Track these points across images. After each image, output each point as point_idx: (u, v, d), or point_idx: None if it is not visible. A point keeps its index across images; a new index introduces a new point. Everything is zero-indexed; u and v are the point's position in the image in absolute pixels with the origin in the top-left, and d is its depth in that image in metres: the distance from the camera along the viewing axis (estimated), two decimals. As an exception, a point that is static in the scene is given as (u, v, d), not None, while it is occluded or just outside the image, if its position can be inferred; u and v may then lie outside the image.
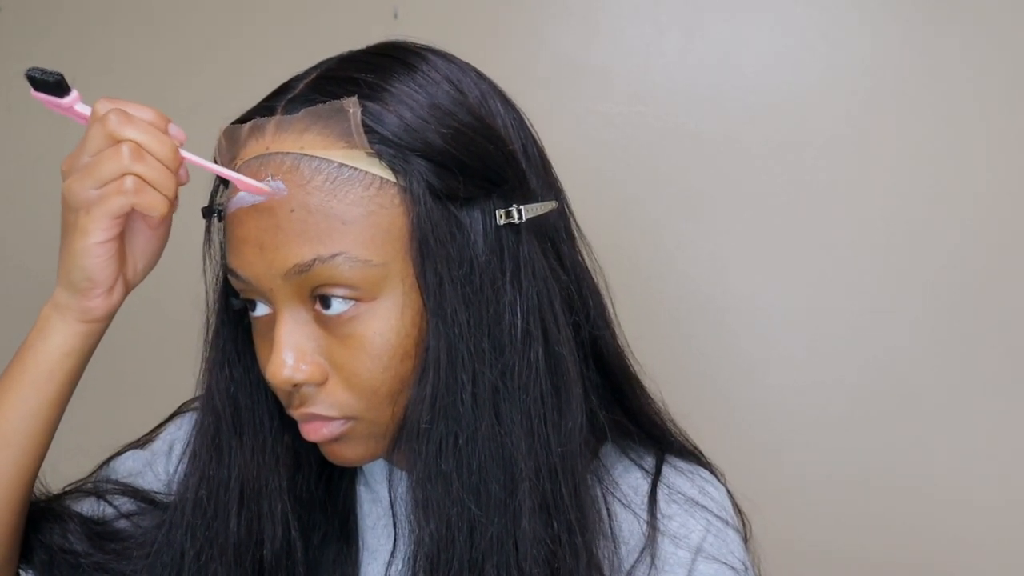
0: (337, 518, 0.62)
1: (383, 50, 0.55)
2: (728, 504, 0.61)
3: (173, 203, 0.53)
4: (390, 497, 0.61)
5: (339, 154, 0.50)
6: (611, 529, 0.56)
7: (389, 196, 0.50)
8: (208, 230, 0.58)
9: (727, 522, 0.59)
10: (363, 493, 0.64)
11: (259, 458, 0.58)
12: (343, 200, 0.49)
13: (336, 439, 0.54)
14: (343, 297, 0.50)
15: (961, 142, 1.00)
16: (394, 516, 0.60)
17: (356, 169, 0.50)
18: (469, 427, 0.51)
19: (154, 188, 0.51)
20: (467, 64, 0.56)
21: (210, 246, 0.58)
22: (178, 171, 0.52)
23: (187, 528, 0.58)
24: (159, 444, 0.68)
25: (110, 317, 0.57)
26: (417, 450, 0.52)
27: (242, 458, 0.58)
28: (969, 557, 1.04)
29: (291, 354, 0.51)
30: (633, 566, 0.56)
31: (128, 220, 0.55)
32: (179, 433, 0.67)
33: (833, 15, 1.02)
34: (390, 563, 0.59)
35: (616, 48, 1.07)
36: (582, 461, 0.55)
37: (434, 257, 0.50)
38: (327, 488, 0.62)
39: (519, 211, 0.52)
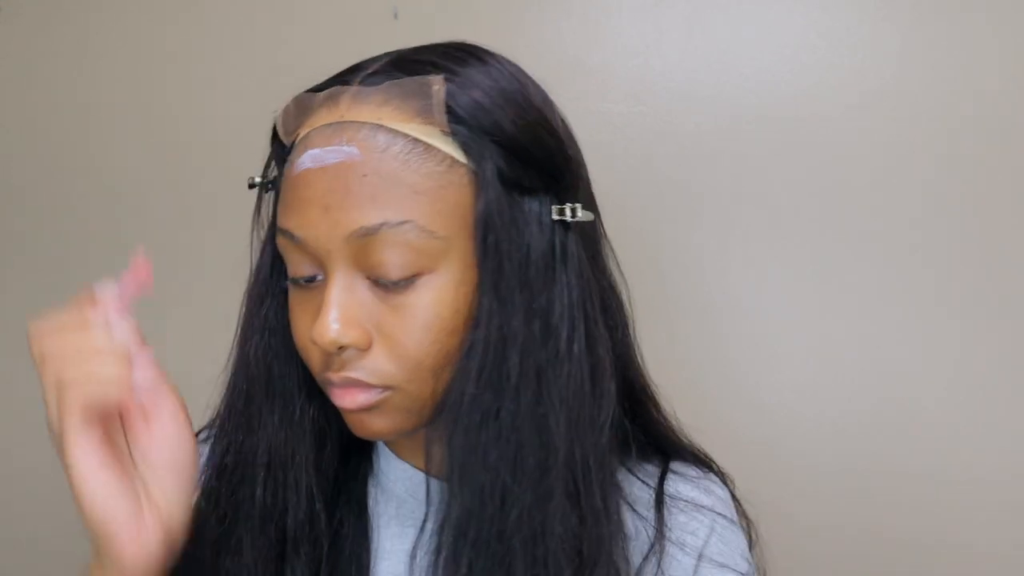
0: (355, 501, 0.62)
1: (454, 45, 0.56)
2: (732, 504, 0.62)
3: (124, 381, 0.46)
4: (427, 501, 0.59)
5: (415, 129, 0.51)
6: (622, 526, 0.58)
7: (459, 175, 0.51)
8: (259, 201, 0.59)
9: (732, 520, 0.61)
10: (374, 491, 0.63)
11: (287, 428, 0.58)
12: (416, 172, 0.50)
13: (368, 408, 0.53)
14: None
15: (961, 141, 1.00)
16: (425, 516, 0.59)
17: (430, 145, 0.51)
18: (512, 403, 0.52)
19: (79, 384, 0.45)
20: (527, 74, 0.59)
21: (259, 216, 0.59)
22: (113, 354, 0.46)
23: (211, 494, 0.59)
24: None
25: (157, 566, 0.47)
26: (458, 418, 0.52)
27: (271, 426, 0.58)
28: (969, 556, 1.04)
29: (340, 316, 0.51)
30: (641, 567, 0.57)
31: (106, 427, 0.47)
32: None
33: (833, 15, 1.02)
34: (415, 549, 0.58)
35: (616, 48, 1.07)
36: (609, 456, 0.56)
37: (497, 239, 0.51)
38: (345, 470, 0.62)
39: (572, 209, 0.54)
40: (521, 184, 0.52)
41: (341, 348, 0.52)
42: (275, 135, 0.57)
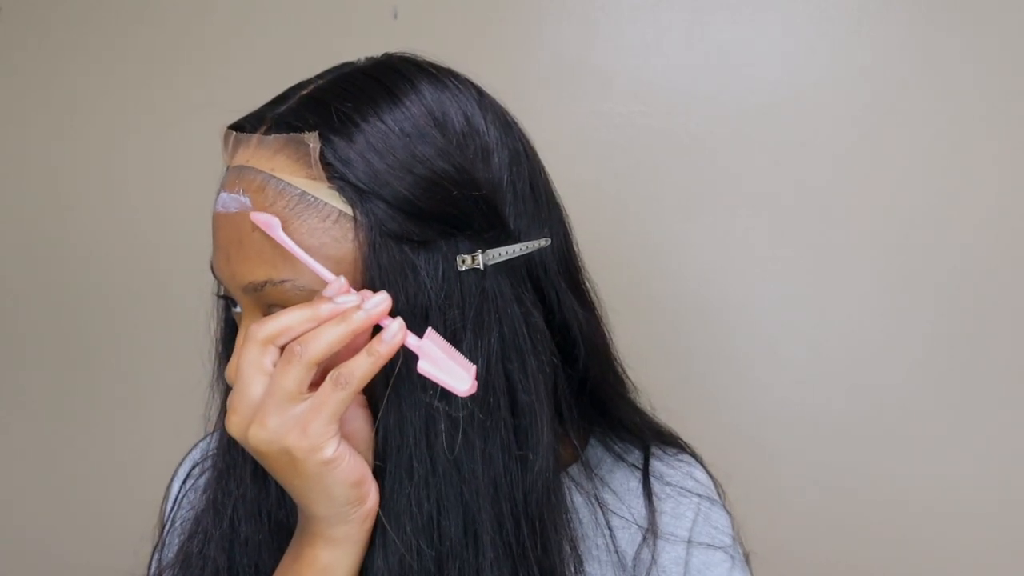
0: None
1: (376, 71, 0.54)
2: (711, 484, 0.66)
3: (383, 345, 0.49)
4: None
5: (303, 182, 0.50)
6: (611, 535, 0.60)
7: (344, 230, 0.50)
8: None
9: (715, 501, 0.64)
10: None
11: None
12: (299, 229, 0.50)
13: None
14: None
15: (963, 142, 1.00)
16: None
17: (316, 199, 0.50)
18: (422, 470, 0.51)
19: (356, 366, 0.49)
20: (468, 88, 0.55)
21: None
22: (359, 326, 0.49)
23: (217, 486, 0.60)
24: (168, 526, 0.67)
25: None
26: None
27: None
28: (966, 562, 1.04)
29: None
30: (635, 556, 0.60)
31: None
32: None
33: (834, 15, 1.02)
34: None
35: (616, 48, 1.07)
36: (551, 495, 0.55)
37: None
38: None
39: (473, 258, 0.51)
40: (411, 239, 0.50)
41: None
42: None
